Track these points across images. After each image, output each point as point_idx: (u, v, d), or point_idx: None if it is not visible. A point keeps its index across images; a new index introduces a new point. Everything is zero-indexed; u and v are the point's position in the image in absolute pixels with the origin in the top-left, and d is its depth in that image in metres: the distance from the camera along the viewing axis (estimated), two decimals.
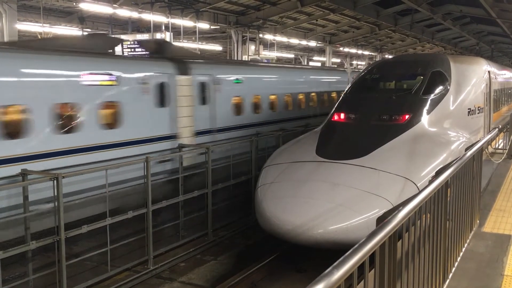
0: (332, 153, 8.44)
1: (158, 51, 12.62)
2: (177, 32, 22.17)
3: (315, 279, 1.80)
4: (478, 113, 10.92)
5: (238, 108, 13.23)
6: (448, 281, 4.34)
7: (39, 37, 20.35)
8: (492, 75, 12.87)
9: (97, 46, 10.24)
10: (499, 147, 11.85)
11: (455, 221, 4.55)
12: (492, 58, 36.70)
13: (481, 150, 5.89)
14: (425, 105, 9.40)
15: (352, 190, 7.39)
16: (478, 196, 5.90)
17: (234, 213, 10.86)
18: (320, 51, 39.11)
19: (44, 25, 19.39)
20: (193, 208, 10.01)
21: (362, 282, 2.57)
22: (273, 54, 30.55)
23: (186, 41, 24.88)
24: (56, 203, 6.90)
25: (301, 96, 16.69)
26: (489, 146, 10.86)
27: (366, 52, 39.51)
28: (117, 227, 8.49)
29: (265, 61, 24.06)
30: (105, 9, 18.26)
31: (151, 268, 8.39)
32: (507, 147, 11.05)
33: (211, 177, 9.80)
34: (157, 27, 20.95)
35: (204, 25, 22.48)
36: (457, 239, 4.72)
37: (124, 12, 19.04)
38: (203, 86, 11.86)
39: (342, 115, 9.73)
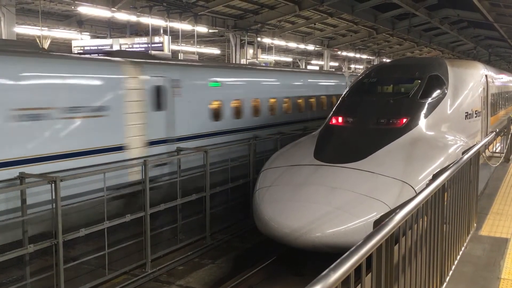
0: (330, 156, 8.45)
1: None
2: (175, 35, 22.22)
3: (311, 281, 1.81)
4: (476, 117, 10.96)
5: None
6: (445, 284, 4.35)
7: (37, 40, 20.36)
8: (489, 79, 12.92)
9: None
10: (497, 150, 11.89)
11: (452, 225, 4.57)
12: (489, 62, 36.86)
13: (478, 154, 5.91)
14: (422, 108, 9.43)
15: (349, 193, 7.40)
16: (475, 200, 5.93)
17: (232, 216, 10.86)
18: (318, 55, 39.20)
19: (43, 28, 19.41)
20: (192, 212, 10.01)
21: (359, 286, 2.58)
22: (271, 57, 30.61)
23: (184, 44, 24.91)
24: (54, 206, 6.90)
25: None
26: (487, 150, 10.89)
27: (364, 56, 39.61)
28: (114, 230, 8.49)
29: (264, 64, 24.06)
30: (104, 13, 18.30)
31: (149, 271, 8.38)
32: (504, 151, 11.09)
33: (209, 181, 9.80)
34: (156, 31, 20.99)
35: (202, 29, 22.52)
36: (454, 242, 4.74)
37: (123, 16, 19.07)
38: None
39: (340, 119, 9.75)
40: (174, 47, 23.40)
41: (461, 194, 4.87)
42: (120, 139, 9.40)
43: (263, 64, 23.61)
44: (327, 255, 6.06)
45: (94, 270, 8.10)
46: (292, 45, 30.38)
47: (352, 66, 42.04)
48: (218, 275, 8.61)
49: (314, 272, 3.05)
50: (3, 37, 14.97)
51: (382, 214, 6.41)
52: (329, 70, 31.94)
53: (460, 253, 5.08)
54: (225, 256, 9.36)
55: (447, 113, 9.87)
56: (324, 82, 19.38)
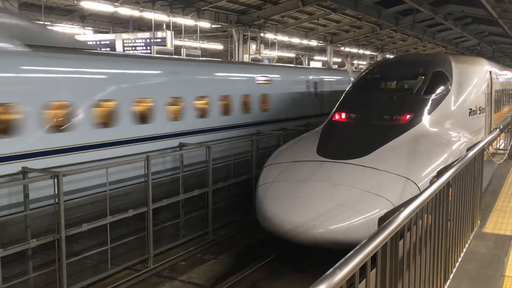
0: (333, 152, 8.43)
1: None
2: (178, 31, 22.15)
3: (317, 280, 1.79)
4: (479, 113, 10.91)
5: None
6: (449, 281, 4.33)
7: None
8: (493, 76, 12.86)
9: None
10: (500, 147, 11.84)
11: (456, 222, 4.54)
12: (493, 58, 36.69)
13: (482, 151, 5.87)
14: (426, 105, 9.39)
15: (353, 190, 7.38)
16: (479, 197, 5.89)
17: (234, 212, 10.85)
18: (321, 51, 39.08)
19: (45, 23, 19.38)
20: (193, 207, 10.01)
21: (363, 282, 2.56)
22: (274, 53, 30.52)
23: (187, 40, 24.86)
24: (56, 201, 6.90)
25: None
26: (490, 147, 10.85)
27: (367, 52, 39.46)
28: (117, 225, 8.49)
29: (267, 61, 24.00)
30: (107, 8, 18.25)
31: (151, 266, 8.39)
32: (508, 148, 11.04)
33: (211, 176, 9.79)
34: (158, 26, 20.93)
35: (205, 24, 22.46)
36: (458, 239, 4.71)
37: (126, 11, 19.02)
38: None
39: (343, 115, 9.72)
40: (177, 42, 23.33)
41: (465, 191, 4.85)
42: None
43: (266, 61, 23.57)
44: (329, 251, 6.06)
45: (97, 265, 8.10)
46: (295, 40, 30.27)
47: (355, 62, 41.92)
48: (220, 271, 8.61)
49: (316, 268, 3.04)
50: None
51: (385, 210, 6.40)
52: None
53: (464, 250, 5.05)
54: (227, 252, 9.36)
55: (451, 109, 9.83)
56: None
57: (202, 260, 9.04)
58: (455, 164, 4.22)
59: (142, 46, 19.67)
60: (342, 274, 1.87)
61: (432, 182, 3.66)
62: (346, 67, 29.44)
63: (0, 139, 7.51)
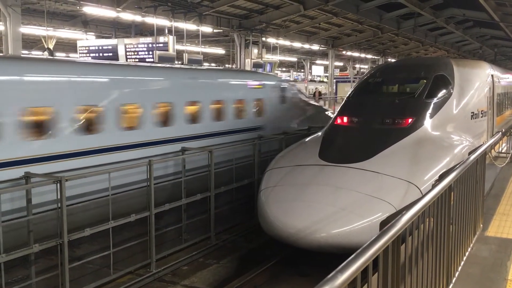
0: (335, 156, 8.43)
1: None
2: (180, 35, 22.23)
3: (318, 283, 1.80)
4: (482, 116, 10.90)
5: None
6: (451, 285, 4.33)
7: (43, 40, 20.45)
8: (495, 79, 12.86)
9: None
10: (503, 151, 11.83)
11: (459, 225, 4.54)
12: (495, 61, 36.67)
13: (484, 154, 5.87)
14: (428, 108, 9.38)
15: (355, 193, 7.37)
16: (482, 200, 5.89)
17: (236, 216, 10.84)
18: (323, 55, 39.14)
19: (48, 28, 19.48)
20: (196, 211, 10.02)
21: (365, 286, 2.56)
22: (276, 57, 30.58)
23: (189, 44, 24.94)
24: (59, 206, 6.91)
25: None
26: (493, 150, 10.84)
27: (369, 56, 39.49)
28: (119, 230, 8.50)
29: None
30: (109, 13, 18.35)
31: (153, 271, 8.38)
32: (511, 151, 11.03)
33: (213, 180, 9.79)
34: (160, 31, 21.00)
35: (207, 29, 22.53)
36: (461, 243, 4.70)
37: (128, 16, 19.11)
38: None
39: (345, 119, 9.72)
40: (179, 47, 23.42)
41: (468, 194, 4.84)
42: None
43: (268, 65, 23.61)
44: (332, 255, 6.05)
45: (99, 270, 8.11)
46: (297, 45, 30.36)
47: (357, 65, 41.96)
48: (222, 275, 8.60)
49: (319, 272, 3.04)
50: (8, 37, 15.01)
51: (387, 214, 6.38)
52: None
53: (467, 254, 5.05)
54: (229, 256, 9.35)
55: (453, 113, 9.82)
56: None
57: (205, 264, 9.03)
58: (457, 168, 4.23)
59: (145, 51, 19.74)
60: (343, 277, 1.87)
61: (434, 186, 3.66)
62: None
63: None
